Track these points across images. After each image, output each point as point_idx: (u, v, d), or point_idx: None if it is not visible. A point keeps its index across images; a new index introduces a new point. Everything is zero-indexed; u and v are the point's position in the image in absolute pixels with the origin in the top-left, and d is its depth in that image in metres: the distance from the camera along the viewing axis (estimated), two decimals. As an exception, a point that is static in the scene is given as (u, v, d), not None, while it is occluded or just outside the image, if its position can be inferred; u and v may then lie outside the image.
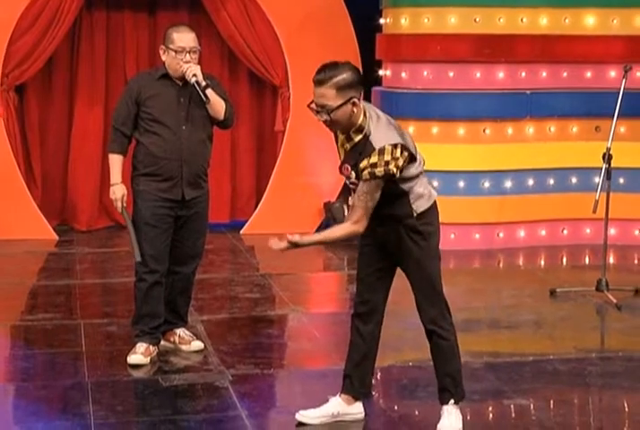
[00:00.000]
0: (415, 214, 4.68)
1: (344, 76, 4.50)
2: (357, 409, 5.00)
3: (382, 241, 4.78)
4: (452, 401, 4.84)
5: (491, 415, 5.24)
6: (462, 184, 8.72)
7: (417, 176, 4.66)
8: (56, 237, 9.13)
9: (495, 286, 7.73)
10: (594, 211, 6.88)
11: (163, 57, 5.75)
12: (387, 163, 4.48)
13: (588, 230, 9.02)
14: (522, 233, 8.96)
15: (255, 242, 9.07)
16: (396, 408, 5.29)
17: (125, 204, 5.80)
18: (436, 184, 8.08)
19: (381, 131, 4.55)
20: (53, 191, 9.68)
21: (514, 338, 6.49)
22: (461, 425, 4.82)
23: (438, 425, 4.82)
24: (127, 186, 5.80)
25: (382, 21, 9.11)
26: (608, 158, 7.05)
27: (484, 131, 8.74)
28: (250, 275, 7.96)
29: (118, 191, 5.78)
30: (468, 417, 4.95)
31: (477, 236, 8.85)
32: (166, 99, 5.72)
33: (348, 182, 4.71)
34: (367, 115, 4.59)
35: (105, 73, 9.59)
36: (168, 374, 5.64)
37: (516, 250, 8.85)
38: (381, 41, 9.06)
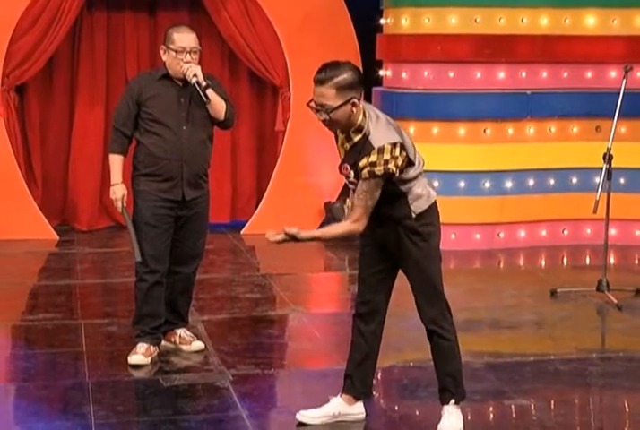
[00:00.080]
0: (414, 215, 4.67)
1: (345, 76, 4.50)
2: (358, 409, 5.00)
3: (381, 242, 4.77)
4: (452, 401, 4.84)
5: (492, 415, 5.24)
6: (462, 184, 8.72)
7: (415, 178, 4.66)
8: (57, 237, 9.13)
9: (495, 286, 7.72)
10: (595, 212, 6.88)
11: (164, 57, 5.75)
12: (387, 162, 4.48)
13: (589, 230, 9.02)
14: (522, 233, 8.96)
15: (255, 242, 9.07)
16: (397, 408, 5.29)
17: (125, 204, 5.80)
18: (436, 184, 8.08)
19: (380, 130, 4.55)
20: (53, 191, 9.68)
21: (515, 338, 6.49)
22: (461, 426, 4.82)
23: (439, 426, 4.82)
24: (128, 186, 5.81)
25: (382, 21, 9.11)
26: (608, 158, 7.05)
27: (484, 131, 8.74)
28: (251, 275, 7.96)
29: (119, 191, 5.78)
30: (469, 418, 4.95)
31: (477, 236, 8.85)
32: (166, 100, 5.72)
33: (347, 181, 4.71)
34: (367, 115, 4.59)
35: (105, 73, 9.59)
36: (168, 375, 5.64)
37: (517, 250, 8.85)
38: (381, 41, 9.06)
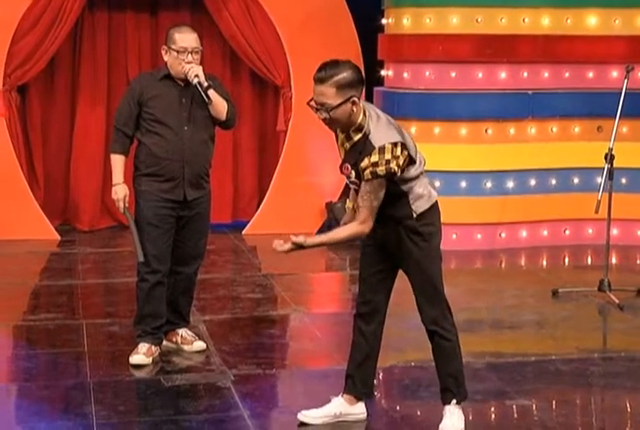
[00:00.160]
0: (415, 215, 4.67)
1: (345, 75, 4.49)
2: (359, 410, 5.00)
3: (382, 242, 4.77)
4: (454, 401, 4.84)
5: (493, 415, 5.24)
6: (463, 184, 8.72)
7: (417, 177, 4.65)
8: (59, 237, 9.13)
9: (497, 286, 7.72)
10: (596, 212, 6.88)
11: (165, 58, 5.75)
12: (388, 162, 4.48)
13: (590, 230, 9.02)
14: (524, 233, 8.96)
15: (257, 242, 9.07)
16: (398, 408, 5.29)
17: (127, 204, 5.80)
18: (437, 184, 8.08)
19: (381, 130, 4.55)
20: (55, 191, 9.69)
21: (517, 338, 6.48)
22: (463, 426, 4.82)
23: (440, 426, 4.82)
24: (129, 186, 5.81)
25: (384, 21, 9.11)
26: (610, 158, 7.04)
27: (486, 131, 8.74)
28: (252, 275, 7.96)
29: (120, 191, 5.78)
30: (470, 418, 4.95)
31: (479, 236, 8.85)
32: (168, 100, 5.72)
33: (348, 181, 4.71)
34: (367, 114, 4.58)
35: (107, 74, 9.59)
36: (170, 375, 5.64)
37: (518, 250, 8.85)
38: (383, 41, 9.06)
